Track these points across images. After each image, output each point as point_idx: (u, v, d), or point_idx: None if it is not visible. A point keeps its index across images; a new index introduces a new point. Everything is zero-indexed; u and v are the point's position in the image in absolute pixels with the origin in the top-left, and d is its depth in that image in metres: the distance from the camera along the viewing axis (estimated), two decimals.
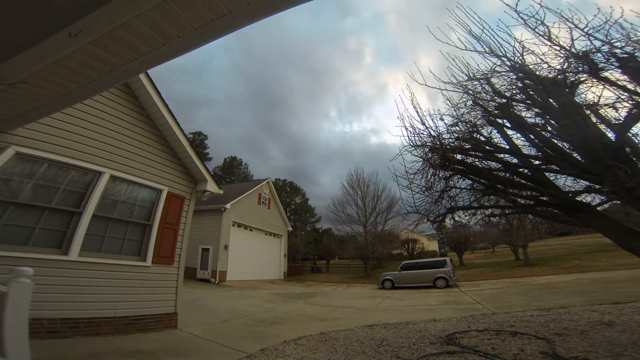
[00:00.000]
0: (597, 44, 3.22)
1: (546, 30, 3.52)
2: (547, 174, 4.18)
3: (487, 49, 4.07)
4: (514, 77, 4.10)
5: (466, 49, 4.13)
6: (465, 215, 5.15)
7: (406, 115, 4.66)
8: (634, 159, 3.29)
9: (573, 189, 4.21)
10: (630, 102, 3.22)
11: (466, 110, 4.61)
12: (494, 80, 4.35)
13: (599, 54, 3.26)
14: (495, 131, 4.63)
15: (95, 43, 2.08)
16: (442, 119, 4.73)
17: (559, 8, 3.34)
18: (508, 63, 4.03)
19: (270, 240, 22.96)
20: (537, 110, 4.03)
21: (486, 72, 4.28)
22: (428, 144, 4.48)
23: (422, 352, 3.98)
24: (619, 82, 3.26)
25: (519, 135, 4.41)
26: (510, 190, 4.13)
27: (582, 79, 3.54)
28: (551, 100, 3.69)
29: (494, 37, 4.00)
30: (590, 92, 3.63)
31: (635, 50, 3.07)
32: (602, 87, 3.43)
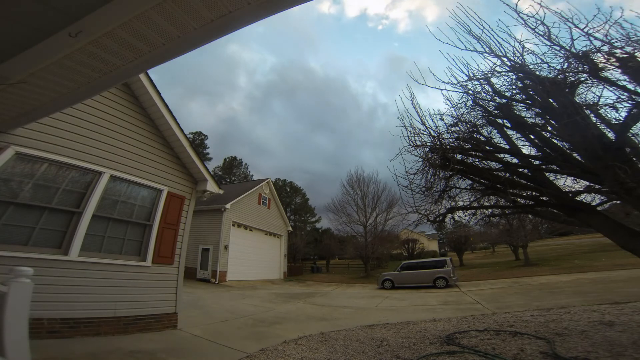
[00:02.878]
0: (597, 44, 3.22)
1: (546, 30, 3.52)
2: (547, 174, 4.18)
3: (487, 49, 4.07)
4: (514, 77, 4.10)
5: (466, 49, 4.13)
6: (465, 215, 5.15)
7: (406, 115, 4.66)
8: (634, 159, 3.29)
9: (573, 189, 4.21)
10: (630, 102, 3.22)
11: (466, 110, 4.62)
12: (494, 80, 4.36)
13: (599, 54, 3.26)
14: (495, 131, 4.63)
15: (95, 43, 2.08)
16: (442, 119, 4.74)
17: (559, 8, 3.35)
18: (508, 63, 4.02)
19: (270, 240, 22.96)
20: (537, 110, 4.03)
21: (486, 72, 4.28)
22: (428, 144, 4.48)
23: (422, 352, 3.98)
24: (619, 82, 3.26)
25: (519, 135, 4.41)
26: (510, 190, 4.13)
27: (582, 79, 3.54)
28: (551, 100, 3.69)
29: (494, 37, 4.00)
30: (590, 92, 3.63)
31: (635, 50, 3.07)
32: (602, 87, 3.43)
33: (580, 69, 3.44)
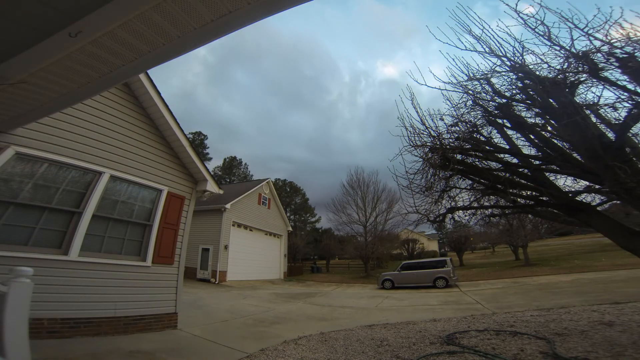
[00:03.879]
0: (597, 44, 3.22)
1: (546, 30, 3.52)
2: (547, 174, 4.18)
3: (487, 49, 4.07)
4: (514, 77, 4.10)
5: (466, 49, 4.13)
6: (465, 215, 5.15)
7: (406, 115, 4.66)
8: (634, 159, 3.29)
9: (573, 189, 4.21)
10: (630, 102, 3.22)
11: (466, 110, 4.62)
12: (494, 80, 4.36)
13: (599, 54, 3.26)
14: (495, 131, 4.63)
15: (95, 43, 2.08)
16: (442, 119, 4.73)
17: (558, 8, 3.35)
18: (508, 63, 4.02)
19: (270, 241, 22.96)
20: (537, 110, 4.02)
21: (486, 72, 4.28)
22: (428, 144, 4.48)
23: (422, 352, 3.98)
24: (619, 82, 3.26)
25: (519, 135, 4.41)
26: (510, 190, 4.13)
27: (582, 79, 3.54)
28: (551, 100, 3.69)
29: (494, 37, 4.00)
30: (590, 92, 3.63)
31: (635, 50, 3.07)
32: (602, 87, 3.43)
33: (580, 69, 3.43)
